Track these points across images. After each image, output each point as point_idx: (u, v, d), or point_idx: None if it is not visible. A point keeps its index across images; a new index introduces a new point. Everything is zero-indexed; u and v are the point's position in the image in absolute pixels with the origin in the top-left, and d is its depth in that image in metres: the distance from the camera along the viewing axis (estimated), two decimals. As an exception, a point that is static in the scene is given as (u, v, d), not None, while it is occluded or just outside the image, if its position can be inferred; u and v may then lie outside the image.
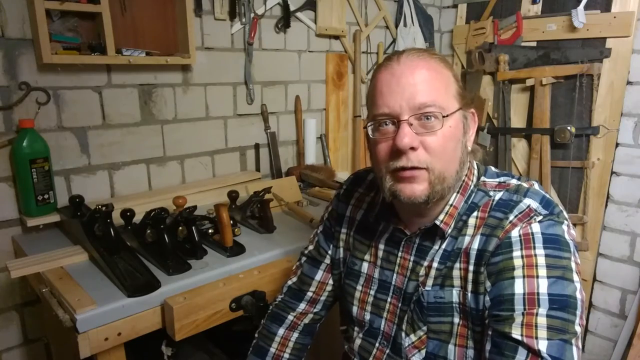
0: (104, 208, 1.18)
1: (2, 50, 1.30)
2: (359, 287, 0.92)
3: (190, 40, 1.55)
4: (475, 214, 0.79)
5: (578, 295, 0.69)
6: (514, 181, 0.81)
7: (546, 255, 0.70)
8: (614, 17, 1.90)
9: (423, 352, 0.82)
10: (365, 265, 0.92)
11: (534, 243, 0.71)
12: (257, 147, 1.93)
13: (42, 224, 1.36)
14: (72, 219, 1.29)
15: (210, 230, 1.33)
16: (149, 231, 1.22)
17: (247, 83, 1.84)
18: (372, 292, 0.90)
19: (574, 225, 2.10)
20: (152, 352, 1.27)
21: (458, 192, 0.81)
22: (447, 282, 0.79)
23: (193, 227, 1.23)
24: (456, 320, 0.79)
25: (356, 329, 0.94)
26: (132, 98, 1.57)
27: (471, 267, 0.77)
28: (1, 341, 1.43)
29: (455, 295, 0.78)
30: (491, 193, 0.80)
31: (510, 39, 2.18)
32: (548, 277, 0.69)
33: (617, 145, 1.98)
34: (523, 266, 0.71)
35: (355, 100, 2.23)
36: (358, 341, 0.93)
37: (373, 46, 2.30)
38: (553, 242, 0.72)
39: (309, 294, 1.03)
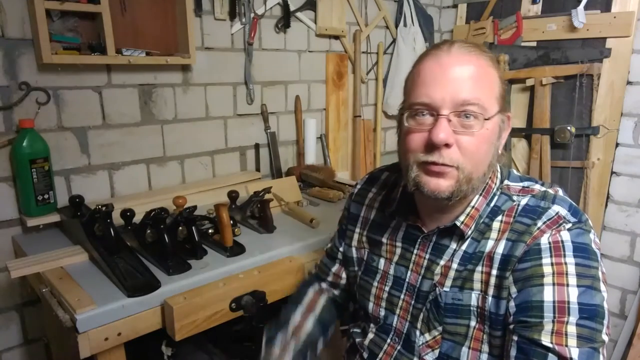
0: (104, 208, 1.18)
1: (2, 50, 1.30)
2: (375, 284, 0.93)
3: (190, 40, 1.55)
4: (499, 218, 0.78)
5: (605, 305, 0.70)
6: (538, 186, 0.81)
7: (576, 264, 0.70)
8: (614, 17, 1.90)
9: (437, 351, 0.82)
10: (382, 262, 0.92)
11: (564, 251, 0.71)
12: (257, 147, 1.93)
13: (42, 224, 1.36)
14: (72, 219, 1.29)
15: (210, 230, 1.33)
16: (149, 231, 1.22)
17: (247, 83, 1.84)
18: (387, 289, 0.91)
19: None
20: (152, 352, 1.27)
21: (481, 195, 0.80)
22: (467, 284, 0.78)
23: (193, 227, 1.22)
24: (473, 323, 0.78)
25: (371, 325, 0.95)
26: (132, 98, 1.57)
27: (494, 272, 0.76)
28: (1, 341, 1.43)
29: (474, 299, 0.78)
30: (515, 198, 0.79)
31: (510, 39, 2.18)
32: (578, 286, 0.69)
33: (617, 145, 1.98)
34: (553, 274, 0.70)
35: (355, 100, 2.23)
36: (371, 336, 0.94)
37: (373, 46, 2.30)
38: (582, 250, 0.71)
39: (329, 278, 1.09)
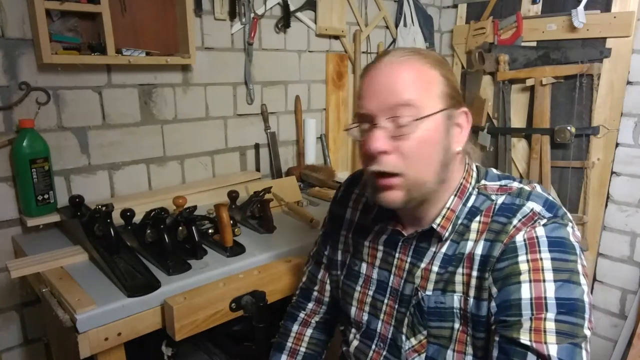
0: (104, 208, 1.18)
1: (2, 50, 1.30)
2: (358, 288, 0.92)
3: (190, 40, 1.55)
4: (478, 218, 0.78)
5: (586, 298, 0.69)
6: (515, 184, 0.80)
7: (552, 259, 0.70)
8: (614, 17, 1.90)
9: (423, 356, 0.81)
10: (364, 266, 0.91)
11: (539, 247, 0.71)
12: (257, 147, 1.93)
13: (42, 224, 1.36)
14: (72, 219, 1.29)
15: (210, 230, 1.33)
16: (149, 231, 1.22)
17: (247, 83, 1.84)
18: (371, 293, 0.89)
19: (574, 225, 2.11)
20: (152, 352, 1.27)
21: (455, 195, 0.79)
22: (449, 287, 0.78)
23: (193, 227, 1.22)
24: (456, 325, 0.78)
25: (353, 330, 0.94)
26: (132, 98, 1.57)
27: (475, 273, 0.75)
28: (1, 341, 1.43)
29: (456, 301, 0.77)
30: (493, 197, 0.78)
31: (510, 39, 2.18)
32: (555, 281, 0.69)
33: (617, 145, 1.98)
34: (529, 270, 0.70)
35: (355, 100, 2.23)
36: (355, 343, 0.93)
37: (373, 46, 2.30)
38: (558, 245, 0.71)
39: (315, 293, 1.07)
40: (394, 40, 2.36)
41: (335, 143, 2.21)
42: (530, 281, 0.69)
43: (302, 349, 1.04)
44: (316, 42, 2.05)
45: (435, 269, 0.80)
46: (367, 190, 0.79)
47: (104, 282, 1.09)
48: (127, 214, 1.28)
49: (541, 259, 0.70)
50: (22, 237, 1.38)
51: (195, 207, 1.24)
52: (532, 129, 2.13)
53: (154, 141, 1.64)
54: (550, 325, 0.67)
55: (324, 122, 2.18)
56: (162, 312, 1.06)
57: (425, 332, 0.81)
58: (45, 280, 1.11)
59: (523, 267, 0.70)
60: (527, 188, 0.78)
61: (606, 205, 2.04)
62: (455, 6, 2.48)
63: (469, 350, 0.77)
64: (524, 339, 0.67)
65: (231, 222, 1.28)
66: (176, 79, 1.66)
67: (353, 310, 0.92)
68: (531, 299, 0.68)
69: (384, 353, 0.87)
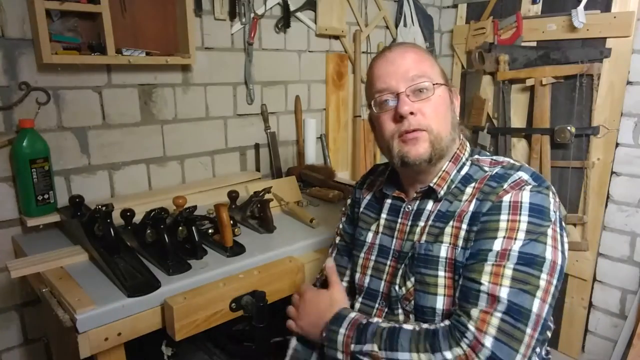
0: (104, 208, 1.18)
1: (2, 50, 1.30)
2: (362, 255, 1.01)
3: (190, 40, 1.55)
4: (472, 184, 0.88)
5: (548, 256, 0.77)
6: (506, 160, 0.92)
7: (529, 222, 0.79)
8: (614, 17, 1.90)
9: (412, 303, 0.89)
10: (370, 235, 1.01)
11: (520, 210, 0.80)
12: (257, 147, 1.93)
13: (42, 224, 1.36)
14: (72, 219, 1.29)
15: (210, 230, 1.33)
16: (149, 231, 1.22)
17: (247, 83, 1.84)
18: (373, 257, 0.99)
19: (574, 225, 2.11)
20: (152, 352, 1.27)
21: (450, 161, 0.92)
22: (439, 238, 0.87)
23: (193, 227, 1.23)
24: (441, 273, 0.86)
25: (356, 296, 1.01)
26: (132, 98, 1.57)
27: (464, 226, 0.84)
28: (1, 341, 1.43)
29: (443, 251, 0.86)
30: (486, 168, 0.90)
31: (510, 39, 2.18)
32: (523, 240, 0.78)
33: (617, 145, 1.98)
34: (506, 229, 0.79)
35: (355, 100, 2.23)
36: (357, 306, 0.99)
37: (373, 46, 2.30)
38: (537, 212, 0.80)
39: (345, 279, 1.10)
40: (394, 40, 2.36)
41: (335, 143, 2.21)
42: (504, 238, 0.79)
43: None
44: (316, 42, 2.05)
45: (429, 223, 0.90)
46: (392, 154, 0.89)
47: (104, 282, 1.09)
48: (127, 214, 1.28)
49: (519, 220, 0.79)
50: (22, 237, 1.38)
51: (195, 207, 1.24)
52: (532, 129, 2.13)
53: (154, 141, 1.64)
54: (508, 272, 0.76)
55: (324, 122, 2.18)
56: (162, 312, 1.06)
57: (413, 279, 0.89)
58: (45, 280, 1.11)
59: (502, 225, 0.80)
60: (517, 163, 0.90)
61: (606, 205, 2.04)
62: (455, 6, 2.48)
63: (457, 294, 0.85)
64: (483, 280, 0.77)
65: (231, 222, 1.28)
66: (176, 79, 1.66)
67: (357, 276, 1.01)
68: (499, 250, 0.78)
69: (386, 310, 0.94)
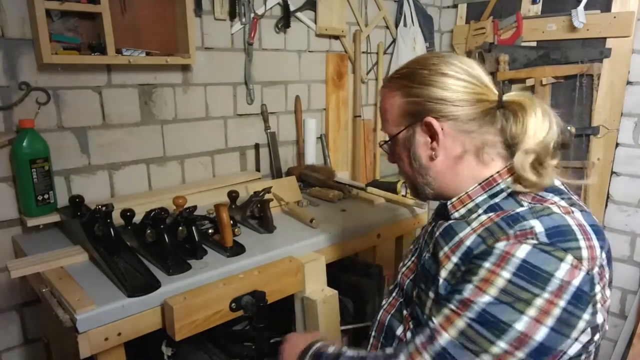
0: (104, 208, 1.18)
1: (2, 50, 1.30)
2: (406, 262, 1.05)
3: (190, 40, 1.55)
4: (491, 214, 0.77)
5: (518, 327, 0.65)
6: (550, 199, 0.76)
7: (509, 281, 0.67)
8: (614, 17, 1.90)
9: (394, 310, 0.94)
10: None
11: (506, 264, 0.68)
12: (257, 147, 1.93)
13: (42, 224, 1.36)
14: (72, 219, 1.29)
15: (210, 230, 1.33)
16: (149, 231, 1.22)
17: (247, 83, 1.84)
18: (407, 262, 1.02)
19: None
20: (152, 352, 1.27)
21: (480, 184, 0.81)
22: (434, 250, 0.86)
23: (193, 227, 1.23)
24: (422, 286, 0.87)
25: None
26: (132, 98, 1.57)
27: (454, 259, 0.78)
28: (1, 341, 1.43)
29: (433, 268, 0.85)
30: (524, 203, 0.76)
31: (510, 39, 2.18)
32: (494, 298, 0.67)
33: (617, 145, 1.98)
34: (481, 279, 0.69)
35: (355, 100, 2.23)
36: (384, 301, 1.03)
37: (373, 46, 2.30)
38: (528, 273, 0.66)
39: None
40: (394, 40, 2.36)
41: (335, 143, 2.21)
42: (475, 287, 0.70)
43: None
44: (316, 42, 2.05)
45: (437, 235, 0.87)
46: None
47: (104, 282, 1.09)
48: (127, 214, 1.28)
49: (498, 274, 0.68)
50: (22, 237, 1.38)
51: (195, 207, 1.24)
52: (532, 129, 2.12)
53: (154, 141, 1.64)
54: (460, 323, 0.70)
55: (324, 122, 2.18)
56: (162, 312, 1.06)
57: (415, 292, 0.90)
58: (45, 280, 1.11)
59: (481, 272, 0.70)
60: (553, 208, 0.73)
61: (606, 205, 2.04)
62: (455, 6, 2.48)
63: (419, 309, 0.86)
64: (434, 317, 0.74)
65: (231, 222, 1.28)
66: (176, 79, 1.66)
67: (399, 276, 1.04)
68: (464, 298, 0.70)
69: (401, 300, 0.97)
